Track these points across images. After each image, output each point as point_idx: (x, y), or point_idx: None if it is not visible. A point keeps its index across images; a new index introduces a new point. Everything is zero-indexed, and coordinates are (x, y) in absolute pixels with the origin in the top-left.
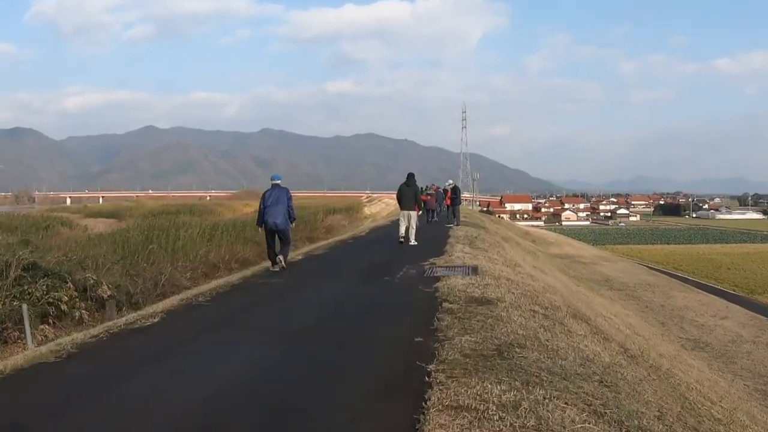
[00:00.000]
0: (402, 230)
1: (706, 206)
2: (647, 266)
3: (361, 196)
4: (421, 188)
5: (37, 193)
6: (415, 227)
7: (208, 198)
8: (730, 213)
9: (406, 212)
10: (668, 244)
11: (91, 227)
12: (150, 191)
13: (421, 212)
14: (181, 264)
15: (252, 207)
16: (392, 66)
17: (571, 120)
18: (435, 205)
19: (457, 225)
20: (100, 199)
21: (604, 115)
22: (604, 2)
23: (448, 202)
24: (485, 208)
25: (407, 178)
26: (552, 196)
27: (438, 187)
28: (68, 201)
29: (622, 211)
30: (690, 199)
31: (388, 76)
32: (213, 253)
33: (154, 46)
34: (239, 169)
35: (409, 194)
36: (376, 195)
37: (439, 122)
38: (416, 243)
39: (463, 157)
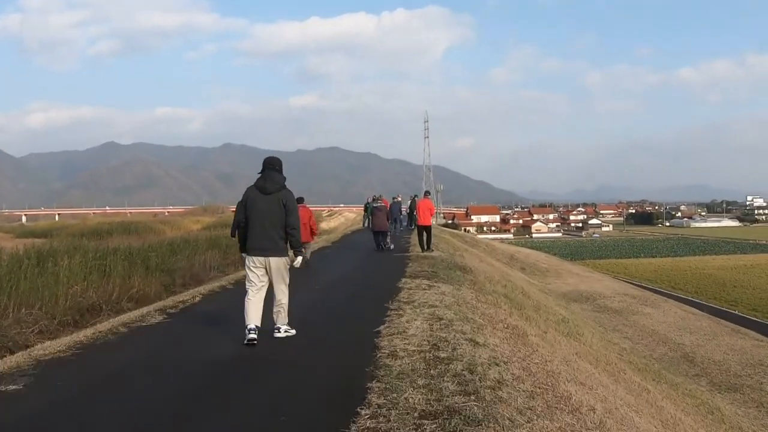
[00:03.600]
0: (251, 318)
1: (679, 214)
2: (706, 307)
3: (323, 210)
4: (367, 202)
5: None
6: (286, 298)
7: (166, 214)
8: (705, 221)
9: (261, 260)
10: (653, 257)
11: (8, 249)
12: (107, 208)
13: (304, 256)
14: (38, 309)
15: (201, 223)
16: (357, 79)
17: (536, 131)
18: (387, 226)
19: (427, 250)
20: (57, 217)
21: (568, 126)
22: (569, 14)
23: (426, 220)
24: (450, 221)
25: (263, 169)
26: (517, 207)
27: (395, 199)
28: (24, 219)
29: (594, 221)
30: (660, 208)
31: (353, 89)
32: (93, 291)
33: (118, 61)
34: (202, 185)
35: (270, 209)
36: (337, 209)
37: (402, 135)
38: (287, 333)
39: (426, 169)
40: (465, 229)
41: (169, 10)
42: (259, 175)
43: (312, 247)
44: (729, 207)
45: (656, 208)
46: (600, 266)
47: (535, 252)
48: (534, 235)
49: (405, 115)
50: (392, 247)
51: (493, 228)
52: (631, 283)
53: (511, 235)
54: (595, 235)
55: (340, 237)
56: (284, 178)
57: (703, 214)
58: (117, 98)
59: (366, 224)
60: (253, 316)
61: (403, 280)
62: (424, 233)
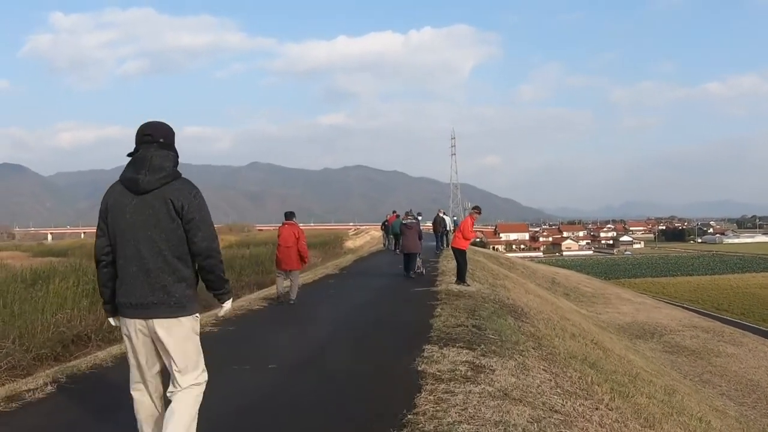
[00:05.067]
0: None
1: (711, 230)
2: None
3: (349, 229)
4: (385, 220)
5: (17, 229)
6: (193, 401)
7: None
8: (738, 237)
9: (141, 326)
10: (690, 275)
11: (15, 268)
12: None
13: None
14: (11, 342)
15: (224, 242)
16: (384, 98)
17: (562, 148)
18: (420, 247)
19: (461, 283)
20: (82, 235)
21: (594, 142)
22: (594, 31)
23: (459, 242)
24: (478, 239)
25: (136, 147)
26: (545, 224)
27: (420, 215)
28: (50, 237)
29: (625, 238)
30: (691, 224)
31: (380, 108)
32: (81, 318)
33: (147, 80)
34: (230, 204)
35: (151, 223)
36: (363, 227)
37: (429, 153)
38: None
39: (454, 187)
40: (494, 248)
41: (197, 30)
42: (130, 157)
43: (302, 277)
44: (760, 222)
45: (685, 224)
46: (636, 285)
47: (574, 273)
48: (564, 253)
49: (432, 133)
50: (424, 272)
51: (522, 246)
52: (689, 309)
53: (540, 254)
54: (626, 252)
55: (353, 261)
56: (175, 159)
57: (734, 231)
58: (144, 117)
59: (386, 244)
60: (147, 428)
61: (427, 350)
62: (457, 260)
